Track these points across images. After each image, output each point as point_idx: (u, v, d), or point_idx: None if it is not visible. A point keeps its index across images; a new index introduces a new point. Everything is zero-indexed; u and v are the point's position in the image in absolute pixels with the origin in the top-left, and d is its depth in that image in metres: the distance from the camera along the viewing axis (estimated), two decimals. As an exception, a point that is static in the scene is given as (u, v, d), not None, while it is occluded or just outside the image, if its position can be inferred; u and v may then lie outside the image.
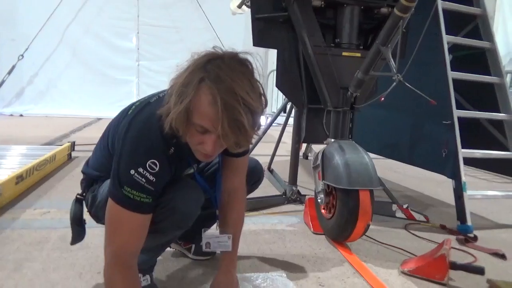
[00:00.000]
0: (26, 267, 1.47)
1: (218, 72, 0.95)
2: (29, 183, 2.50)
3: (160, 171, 1.06)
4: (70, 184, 2.65)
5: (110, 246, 1.07)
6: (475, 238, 2.01)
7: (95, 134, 5.18)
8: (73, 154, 3.53)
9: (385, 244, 1.89)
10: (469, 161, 2.39)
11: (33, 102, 7.22)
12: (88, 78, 7.38)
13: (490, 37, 2.52)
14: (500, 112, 2.45)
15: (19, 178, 2.31)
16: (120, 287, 1.06)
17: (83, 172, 1.36)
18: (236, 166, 1.35)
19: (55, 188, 2.55)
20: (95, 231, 1.54)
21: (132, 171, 1.03)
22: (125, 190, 1.03)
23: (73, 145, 3.58)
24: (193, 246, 1.62)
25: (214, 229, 1.40)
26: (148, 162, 1.04)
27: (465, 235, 2.03)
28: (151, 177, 1.04)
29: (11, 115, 6.97)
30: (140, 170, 1.03)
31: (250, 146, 1.41)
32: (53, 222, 1.95)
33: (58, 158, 3.10)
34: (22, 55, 6.92)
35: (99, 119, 6.90)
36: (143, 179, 1.03)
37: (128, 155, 1.06)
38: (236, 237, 1.37)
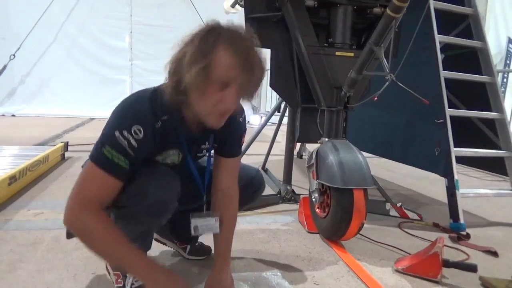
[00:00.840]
0: (20, 268, 1.46)
1: (228, 33, 1.05)
2: (22, 184, 2.48)
3: (143, 139, 1.08)
4: (64, 184, 2.63)
5: (77, 196, 1.06)
6: (467, 236, 2.03)
7: (88, 134, 5.15)
8: (66, 154, 3.51)
9: (379, 242, 1.91)
10: (461, 159, 2.42)
11: (25, 102, 7.15)
12: (80, 77, 7.33)
13: (481, 37, 2.54)
14: (491, 111, 2.48)
15: (12, 179, 2.29)
16: (97, 227, 1.04)
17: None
18: (229, 167, 1.37)
19: (48, 188, 2.54)
20: (89, 232, 1.53)
21: (117, 133, 1.06)
22: (105, 149, 1.05)
23: (66, 145, 3.55)
24: (188, 246, 1.62)
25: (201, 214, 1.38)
26: (133, 127, 1.07)
27: (458, 233, 2.05)
28: (133, 142, 1.07)
29: (3, 115, 6.90)
30: (125, 133, 1.06)
31: (243, 148, 1.42)
32: (46, 223, 1.94)
33: (51, 158, 3.08)
34: (14, 55, 6.84)
35: (92, 119, 6.87)
36: (125, 141, 1.06)
37: (115, 120, 1.09)
38: (229, 237, 1.37)
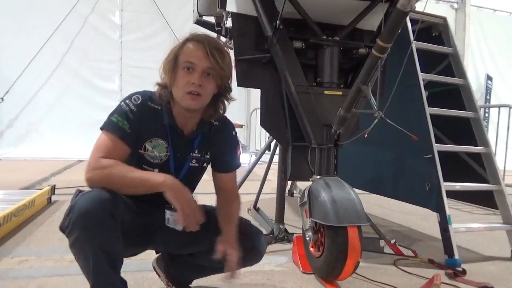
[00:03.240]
0: (2, 321, 1.39)
1: (198, 34, 1.32)
2: (7, 230, 2.40)
3: (141, 104, 1.30)
4: (50, 229, 2.55)
5: (95, 154, 1.23)
6: (463, 272, 2.00)
7: (77, 176, 5.06)
8: (53, 198, 3.43)
9: (376, 281, 1.87)
10: (450, 194, 2.43)
11: (12, 145, 7.07)
12: (70, 120, 7.31)
13: (462, 74, 2.64)
14: (476, 145, 2.53)
15: (-4, 225, 2.22)
16: (116, 164, 1.20)
17: None
18: (228, 179, 1.50)
19: (34, 234, 2.45)
20: (77, 279, 1.48)
21: (122, 103, 1.31)
22: (113, 116, 1.28)
23: (53, 188, 3.49)
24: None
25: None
26: (134, 96, 1.32)
27: (454, 269, 2.02)
28: (133, 107, 1.29)
29: (-12, 159, 6.79)
30: (127, 101, 1.31)
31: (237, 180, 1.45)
32: (31, 271, 1.86)
33: (37, 202, 3.01)
34: (2, 98, 6.85)
35: (81, 160, 6.78)
36: (127, 107, 1.29)
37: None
38: (235, 219, 1.41)
